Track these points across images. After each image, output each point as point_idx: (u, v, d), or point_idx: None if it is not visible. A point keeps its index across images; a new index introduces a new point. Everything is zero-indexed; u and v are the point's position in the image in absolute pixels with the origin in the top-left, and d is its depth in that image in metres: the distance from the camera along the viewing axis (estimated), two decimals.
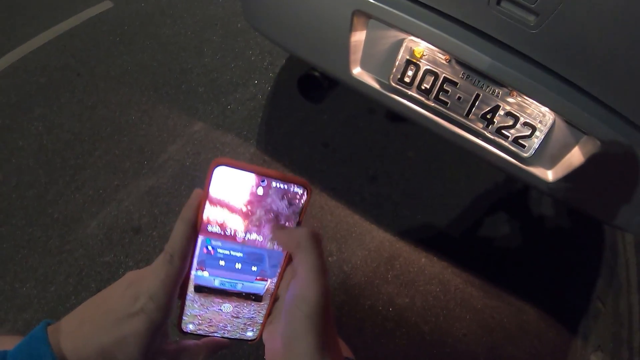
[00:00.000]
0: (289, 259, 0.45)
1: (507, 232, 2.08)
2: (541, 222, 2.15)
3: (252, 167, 0.41)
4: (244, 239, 0.43)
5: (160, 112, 2.24)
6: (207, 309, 0.47)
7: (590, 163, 1.19)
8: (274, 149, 2.13)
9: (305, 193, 0.43)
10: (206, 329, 0.48)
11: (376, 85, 1.33)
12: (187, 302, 0.46)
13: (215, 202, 0.41)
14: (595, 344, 1.80)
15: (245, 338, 0.49)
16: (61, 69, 2.36)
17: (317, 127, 2.24)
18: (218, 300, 0.46)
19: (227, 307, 0.47)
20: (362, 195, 2.04)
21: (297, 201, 0.43)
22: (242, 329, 0.48)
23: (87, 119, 2.17)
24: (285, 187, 0.42)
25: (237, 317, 0.48)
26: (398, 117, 2.28)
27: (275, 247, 0.44)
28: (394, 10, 1.17)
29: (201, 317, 0.47)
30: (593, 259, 2.07)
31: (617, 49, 1.04)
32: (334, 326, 0.43)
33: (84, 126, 2.14)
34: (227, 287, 0.46)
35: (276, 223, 0.43)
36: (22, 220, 1.84)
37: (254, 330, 0.48)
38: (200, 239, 0.42)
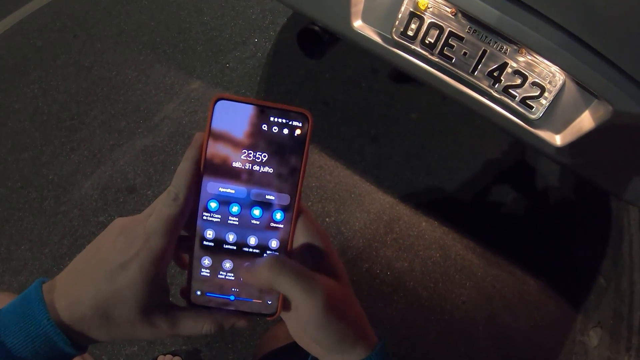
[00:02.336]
0: (298, 211, 0.43)
1: (512, 200, 2.04)
2: (547, 192, 2.11)
3: (252, 100, 0.40)
4: (251, 178, 0.41)
5: (158, 71, 2.19)
6: (217, 271, 0.43)
7: (600, 129, 1.13)
8: None
9: (307, 122, 0.41)
10: (217, 299, 0.43)
11: (378, 39, 1.26)
12: (194, 263, 0.43)
13: (218, 139, 0.40)
14: (595, 320, 1.78)
15: (263, 312, 0.44)
16: (58, 31, 2.30)
17: (318, 85, 2.18)
18: (228, 258, 0.43)
19: (239, 265, 0.43)
20: (362, 155, 1.99)
21: (299, 131, 0.41)
22: (257, 297, 0.43)
23: (83, 80, 2.13)
24: (286, 117, 0.41)
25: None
26: (402, 78, 2.24)
27: (282, 189, 0.42)
28: None
29: (210, 282, 0.43)
30: (598, 234, 2.04)
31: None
32: (359, 317, 0.45)
33: (79, 87, 2.10)
34: (237, 239, 0.42)
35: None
36: (18, 182, 1.82)
37: (271, 301, 0.43)
38: (205, 182, 0.41)
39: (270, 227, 0.42)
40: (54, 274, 1.64)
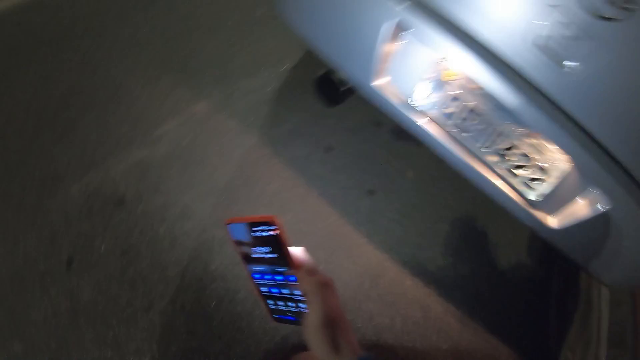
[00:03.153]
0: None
1: (493, 269, 2.06)
2: (524, 266, 2.13)
3: (242, 218, 0.72)
4: (267, 261, 0.73)
5: (164, 86, 2.16)
6: (278, 305, 0.77)
7: (597, 220, 1.17)
8: (274, 145, 2.07)
9: (275, 224, 0.68)
10: (284, 319, 0.78)
11: (396, 102, 1.29)
12: (265, 302, 0.78)
13: (239, 244, 0.74)
14: None
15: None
16: (71, 19, 2.28)
17: (321, 130, 2.18)
18: (280, 300, 0.76)
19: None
20: (357, 207, 1.99)
21: (278, 231, 0.68)
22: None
23: (87, 78, 2.09)
24: (265, 225, 0.69)
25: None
26: (404, 135, 2.26)
27: (283, 264, 0.71)
28: (437, 28, 1.10)
29: (277, 312, 0.78)
30: (569, 309, 2.03)
31: None
32: (347, 333, 0.66)
33: (82, 84, 2.06)
34: (279, 292, 0.75)
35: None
36: (1, 172, 1.77)
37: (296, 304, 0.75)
38: (247, 266, 0.76)
39: (291, 284, 0.71)
40: (24, 277, 1.60)
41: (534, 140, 1.19)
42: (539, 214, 1.27)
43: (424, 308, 1.82)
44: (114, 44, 2.26)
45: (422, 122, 1.28)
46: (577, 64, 0.99)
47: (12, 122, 1.88)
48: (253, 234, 0.70)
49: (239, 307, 1.68)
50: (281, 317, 0.76)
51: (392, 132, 2.24)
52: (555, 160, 1.18)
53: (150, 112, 2.07)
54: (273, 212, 1.85)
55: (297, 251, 0.72)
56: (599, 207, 1.14)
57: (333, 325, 0.65)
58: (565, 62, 1.00)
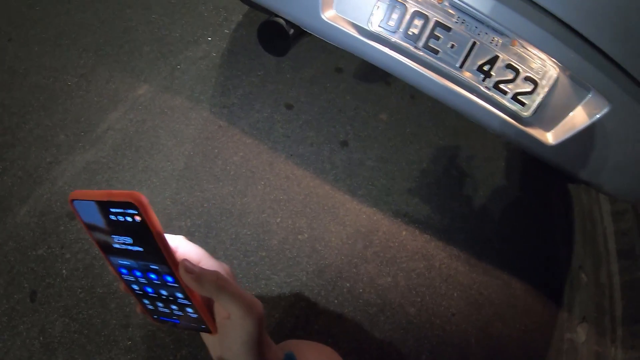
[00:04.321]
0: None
1: (489, 202, 2.00)
2: (523, 193, 2.09)
3: (95, 193, 0.47)
4: (131, 254, 0.50)
5: (100, 76, 2.00)
6: (157, 307, 0.56)
7: (594, 126, 1.13)
8: (230, 112, 1.94)
9: (138, 208, 0.46)
10: (167, 321, 0.57)
11: (353, 32, 1.14)
12: (141, 301, 0.56)
13: (93, 229, 0.50)
14: (580, 316, 1.78)
15: (202, 329, 0.55)
16: None
17: (279, 87, 2.05)
18: (159, 301, 0.55)
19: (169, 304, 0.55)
20: (332, 162, 1.87)
21: (138, 217, 0.46)
22: (194, 322, 0.55)
23: (18, 88, 1.92)
24: (121, 208, 0.46)
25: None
26: (368, 77, 2.14)
27: (157, 260, 0.49)
28: None
29: (156, 312, 0.57)
30: (575, 230, 2.03)
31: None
32: (265, 334, 0.52)
33: (13, 97, 1.90)
34: (154, 292, 0.54)
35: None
36: None
37: (204, 325, 0.54)
38: (109, 257, 0.52)
39: (169, 286, 0.51)
40: None
41: (515, 50, 1.10)
42: (534, 131, 1.20)
43: (426, 257, 1.74)
44: (41, 44, 2.10)
45: (387, 50, 1.14)
46: None
47: None
48: (110, 217, 0.48)
49: None
50: (164, 319, 0.57)
51: (355, 75, 2.12)
52: (542, 67, 1.11)
53: (89, 107, 1.91)
54: (242, 184, 1.75)
55: (175, 241, 0.53)
56: (596, 113, 1.11)
57: (259, 336, 0.49)
58: None
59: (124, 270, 0.52)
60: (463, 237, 1.82)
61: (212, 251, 1.32)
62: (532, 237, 1.94)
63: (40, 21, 2.15)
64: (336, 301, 1.60)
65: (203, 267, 0.51)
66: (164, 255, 0.48)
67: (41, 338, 1.46)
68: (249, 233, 1.68)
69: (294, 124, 1.95)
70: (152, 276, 0.51)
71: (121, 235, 0.48)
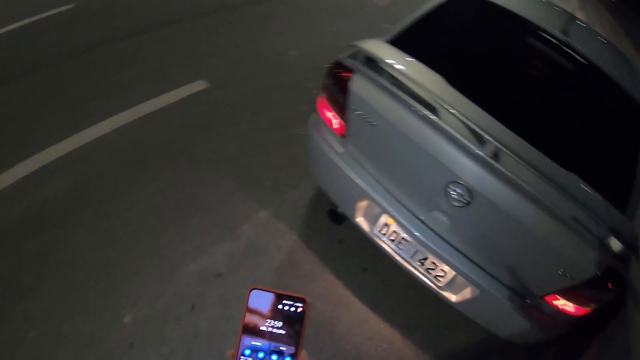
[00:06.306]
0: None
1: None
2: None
3: (272, 290, 0.65)
4: (271, 336, 0.64)
5: (237, 197, 3.02)
6: None
7: (476, 298, 2.08)
8: (308, 236, 2.90)
9: (305, 304, 0.64)
10: None
11: (367, 230, 2.37)
12: None
13: (252, 312, 0.65)
14: None
15: None
16: (160, 143, 3.21)
17: (333, 236, 2.93)
18: None
19: None
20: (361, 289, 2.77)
21: (300, 309, 0.64)
22: None
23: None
24: (293, 301, 0.65)
25: None
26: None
27: (290, 343, 0.64)
28: (382, 201, 2.20)
29: None
30: None
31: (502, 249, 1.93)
32: None
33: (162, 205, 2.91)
34: None
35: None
36: None
37: None
38: (242, 338, 0.64)
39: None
40: None
41: (434, 257, 2.19)
42: (445, 293, 2.21)
43: None
44: (193, 164, 3.13)
45: (380, 243, 2.33)
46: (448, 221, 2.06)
47: None
48: (277, 306, 0.64)
49: None
50: None
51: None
52: (449, 269, 2.12)
53: (226, 215, 2.89)
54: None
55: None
56: (475, 291, 2.08)
57: None
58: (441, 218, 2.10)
59: (247, 351, 0.63)
60: None
61: None
62: None
63: (192, 141, 3.18)
64: None
65: None
66: (300, 338, 0.63)
67: None
68: None
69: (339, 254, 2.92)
70: (273, 357, 0.63)
71: (276, 320, 0.63)
